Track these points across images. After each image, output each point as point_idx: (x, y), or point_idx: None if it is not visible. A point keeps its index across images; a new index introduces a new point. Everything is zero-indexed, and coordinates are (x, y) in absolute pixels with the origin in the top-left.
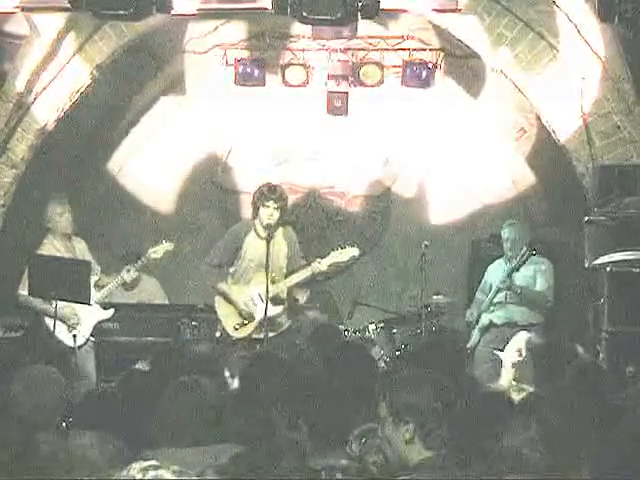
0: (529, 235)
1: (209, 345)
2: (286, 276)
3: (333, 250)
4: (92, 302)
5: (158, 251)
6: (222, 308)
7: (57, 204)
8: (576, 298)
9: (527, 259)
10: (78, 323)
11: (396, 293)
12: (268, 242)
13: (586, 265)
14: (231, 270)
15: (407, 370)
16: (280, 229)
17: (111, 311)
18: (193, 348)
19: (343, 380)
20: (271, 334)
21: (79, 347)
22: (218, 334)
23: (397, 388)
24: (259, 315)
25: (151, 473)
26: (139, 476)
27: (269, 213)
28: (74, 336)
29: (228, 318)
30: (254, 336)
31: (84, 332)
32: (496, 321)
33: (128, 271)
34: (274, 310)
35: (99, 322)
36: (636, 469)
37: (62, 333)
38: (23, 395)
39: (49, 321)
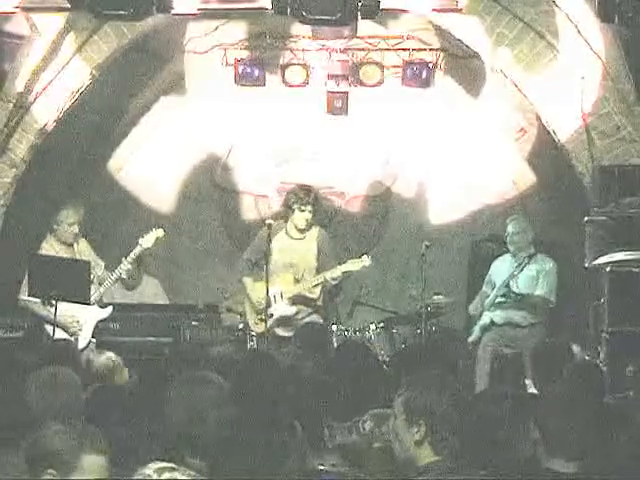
0: (532, 230)
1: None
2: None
3: (350, 259)
4: (91, 301)
5: (149, 239)
6: (249, 301)
7: (72, 212)
8: (576, 298)
9: (531, 260)
10: (79, 329)
11: (396, 293)
12: (269, 241)
13: (586, 265)
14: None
15: (428, 371)
16: (313, 230)
17: (109, 309)
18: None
19: (343, 379)
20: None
21: (81, 350)
22: (241, 325)
23: (417, 388)
24: (277, 313)
25: (166, 474)
26: (155, 476)
27: (305, 217)
28: (76, 340)
29: (252, 312)
30: (281, 334)
31: (85, 335)
32: (497, 321)
33: (123, 264)
34: (291, 310)
35: (99, 321)
36: (636, 469)
37: (64, 336)
38: (39, 396)
39: (49, 327)
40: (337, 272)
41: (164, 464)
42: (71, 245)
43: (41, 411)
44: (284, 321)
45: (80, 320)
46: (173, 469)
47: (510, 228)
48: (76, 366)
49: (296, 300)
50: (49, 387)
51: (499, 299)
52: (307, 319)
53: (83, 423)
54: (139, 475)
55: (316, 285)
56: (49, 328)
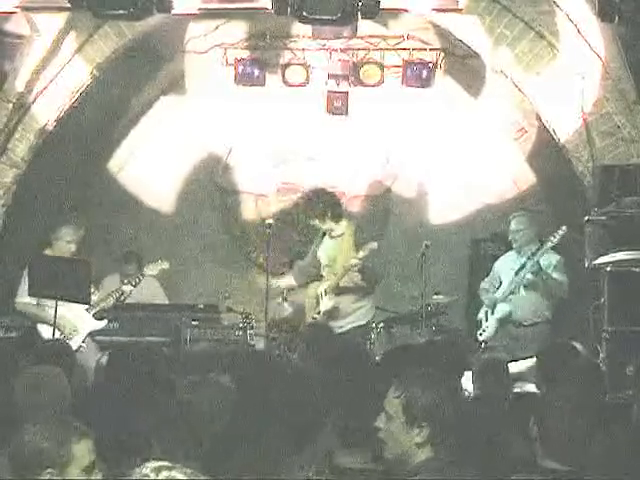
0: (536, 225)
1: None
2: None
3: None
4: (89, 312)
5: (153, 268)
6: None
7: (72, 231)
8: (576, 298)
9: (545, 251)
10: (75, 331)
11: (396, 293)
12: (269, 241)
13: (586, 265)
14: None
15: (423, 370)
16: (347, 227)
17: (104, 322)
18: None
19: (340, 378)
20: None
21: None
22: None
23: (416, 389)
24: (322, 309)
25: (164, 473)
26: (152, 475)
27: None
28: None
29: (309, 308)
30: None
31: (77, 340)
32: (500, 317)
33: (126, 284)
34: (329, 304)
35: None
36: (636, 469)
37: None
38: (24, 394)
39: (43, 329)
40: (355, 260)
41: (161, 463)
42: None
43: (27, 410)
44: (330, 315)
45: (77, 325)
46: (171, 468)
47: (513, 225)
48: (71, 366)
49: (338, 292)
50: (35, 386)
51: (513, 286)
52: (355, 305)
53: (63, 416)
54: (137, 474)
55: (342, 274)
56: (44, 330)
